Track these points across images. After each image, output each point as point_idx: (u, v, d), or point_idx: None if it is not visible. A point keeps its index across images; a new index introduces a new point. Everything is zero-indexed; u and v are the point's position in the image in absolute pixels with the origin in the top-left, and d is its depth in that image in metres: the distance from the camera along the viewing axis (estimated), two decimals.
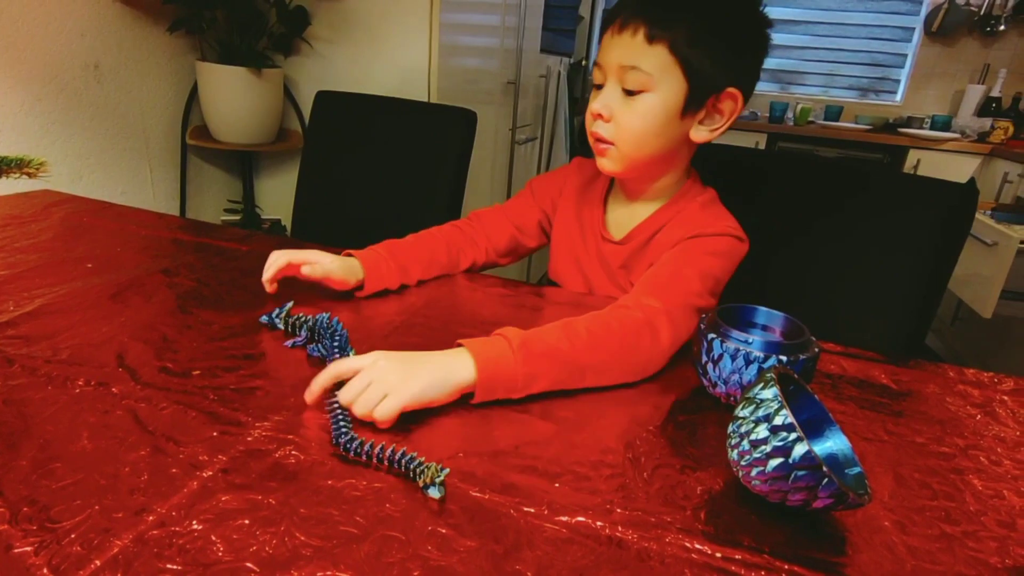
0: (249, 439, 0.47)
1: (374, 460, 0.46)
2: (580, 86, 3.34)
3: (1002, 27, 2.98)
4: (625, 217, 0.81)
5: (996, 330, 2.12)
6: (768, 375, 0.43)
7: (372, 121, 1.28)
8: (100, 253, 0.83)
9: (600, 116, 0.71)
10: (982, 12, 2.99)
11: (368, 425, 0.49)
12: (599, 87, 0.72)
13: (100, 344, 0.59)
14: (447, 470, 0.43)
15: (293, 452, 0.46)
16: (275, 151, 1.87)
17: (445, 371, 0.53)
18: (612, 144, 0.72)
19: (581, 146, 3.16)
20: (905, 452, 0.53)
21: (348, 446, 0.46)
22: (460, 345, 0.55)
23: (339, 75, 1.76)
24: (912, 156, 2.79)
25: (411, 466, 0.44)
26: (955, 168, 2.74)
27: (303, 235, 1.30)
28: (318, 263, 0.72)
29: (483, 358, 0.53)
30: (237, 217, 1.88)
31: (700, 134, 0.72)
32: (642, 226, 0.79)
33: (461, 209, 1.20)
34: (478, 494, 0.43)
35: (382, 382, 0.50)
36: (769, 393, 0.42)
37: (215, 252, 0.87)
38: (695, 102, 0.70)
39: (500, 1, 2.02)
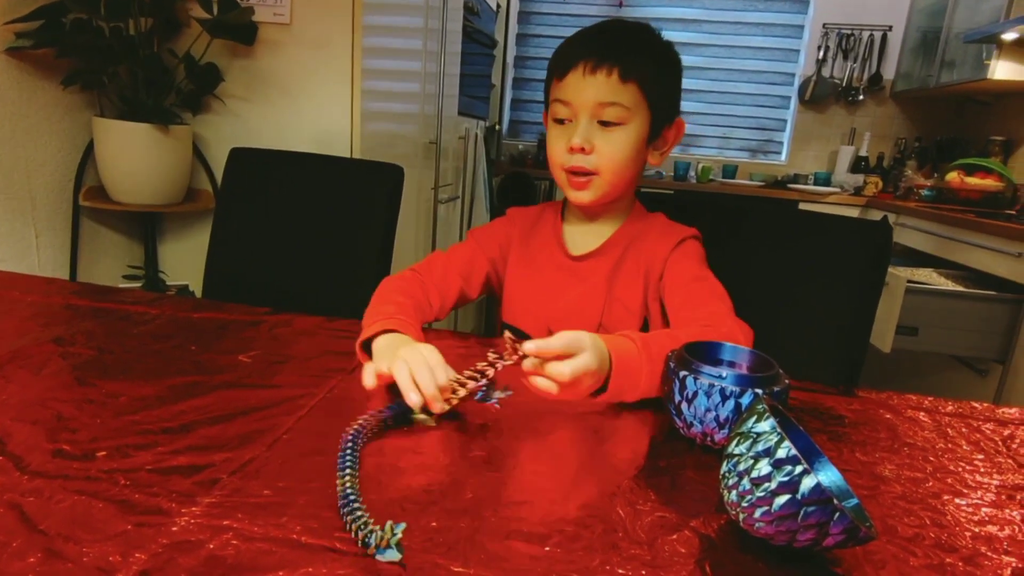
0: (174, 529, 0.39)
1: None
2: (495, 148, 3.44)
3: (861, 97, 3.40)
4: (588, 238, 0.86)
5: (891, 363, 2.29)
6: (760, 407, 0.41)
7: (292, 178, 1.22)
8: None
9: (582, 149, 0.76)
10: (844, 84, 3.40)
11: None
12: (561, 122, 0.78)
13: None
14: (403, 525, 0.38)
15: (232, 541, 0.38)
16: (183, 212, 1.75)
17: (601, 367, 0.57)
18: (595, 174, 0.77)
19: (499, 204, 3.21)
20: (881, 481, 0.52)
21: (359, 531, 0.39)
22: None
23: (253, 134, 1.69)
24: (802, 207, 3.05)
25: (355, 525, 0.39)
26: None
27: (217, 299, 1.19)
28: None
29: (617, 354, 0.58)
30: (138, 284, 1.71)
31: (655, 158, 0.82)
32: (614, 239, 0.84)
33: (390, 268, 1.15)
34: (461, 569, 0.37)
35: (587, 363, 0.55)
36: (766, 425, 0.40)
37: (118, 317, 0.77)
38: (655, 131, 0.80)
39: (420, 70, 2.05)
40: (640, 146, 0.78)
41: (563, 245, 0.87)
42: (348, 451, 0.47)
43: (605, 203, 0.82)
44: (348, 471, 0.45)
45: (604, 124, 0.76)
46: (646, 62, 0.75)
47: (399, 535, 0.37)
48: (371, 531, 0.38)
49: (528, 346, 0.54)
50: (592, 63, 0.74)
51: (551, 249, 0.87)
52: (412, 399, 0.55)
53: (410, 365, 0.57)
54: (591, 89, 0.75)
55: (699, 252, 0.82)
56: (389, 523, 0.38)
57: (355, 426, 0.51)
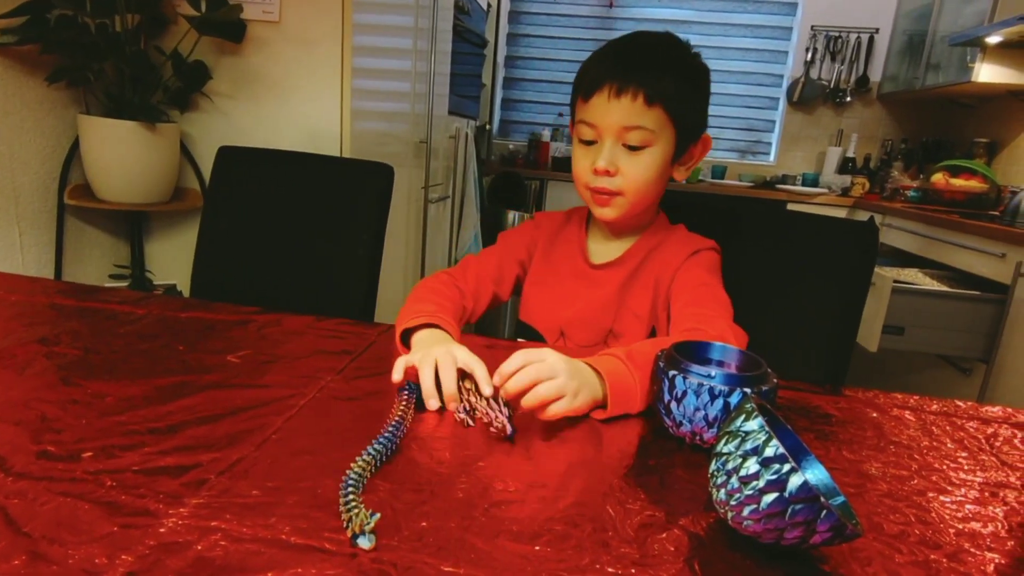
0: (162, 530, 0.38)
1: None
2: (485, 148, 3.44)
3: (848, 98, 3.43)
4: (610, 248, 0.88)
5: (877, 362, 2.31)
6: (748, 406, 0.42)
7: (281, 177, 1.21)
8: None
9: (607, 172, 0.77)
10: (832, 85, 3.43)
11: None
12: (588, 143, 0.79)
13: None
14: (377, 515, 0.39)
15: (220, 542, 0.38)
16: (170, 211, 1.73)
17: (593, 389, 0.58)
18: (620, 194, 0.79)
19: (490, 203, 3.21)
20: (867, 478, 0.53)
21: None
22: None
23: (241, 133, 1.68)
24: (790, 208, 3.08)
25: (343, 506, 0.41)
26: None
27: (205, 299, 1.18)
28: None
29: (608, 372, 0.58)
30: (125, 284, 1.70)
31: (680, 173, 0.83)
32: (633, 250, 0.86)
33: (380, 268, 1.15)
34: (451, 568, 0.37)
35: (563, 385, 0.54)
36: (754, 424, 0.40)
37: (105, 316, 0.76)
38: (682, 150, 0.80)
39: (410, 69, 2.05)
40: (665, 166, 0.79)
41: (585, 253, 0.88)
42: (380, 440, 0.49)
43: (628, 219, 0.83)
44: (366, 457, 0.46)
45: (631, 148, 0.76)
46: (672, 83, 0.75)
47: (372, 524, 0.39)
48: (352, 515, 0.39)
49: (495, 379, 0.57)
50: (617, 86, 0.74)
51: (573, 256, 0.88)
52: (431, 405, 0.58)
53: (439, 363, 0.59)
54: (616, 113, 0.75)
55: (711, 262, 0.82)
56: (367, 511, 0.40)
57: (396, 416, 0.53)
